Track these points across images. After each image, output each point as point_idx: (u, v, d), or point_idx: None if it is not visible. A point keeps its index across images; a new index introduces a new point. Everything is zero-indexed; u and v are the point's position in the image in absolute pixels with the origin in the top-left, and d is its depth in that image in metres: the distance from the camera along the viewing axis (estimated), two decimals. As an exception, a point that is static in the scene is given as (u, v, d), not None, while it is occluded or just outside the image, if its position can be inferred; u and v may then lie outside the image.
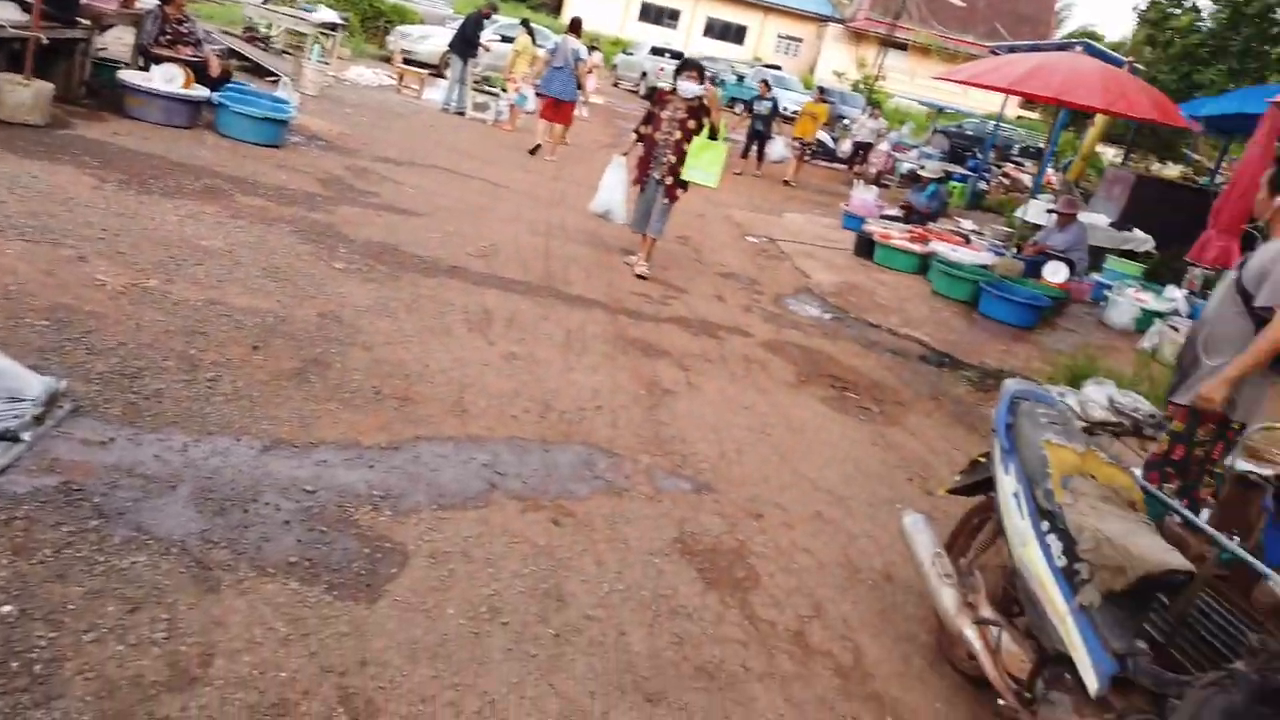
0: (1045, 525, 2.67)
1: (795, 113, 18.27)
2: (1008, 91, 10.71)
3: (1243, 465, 3.82)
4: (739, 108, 23.49)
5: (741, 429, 4.83)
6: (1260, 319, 3.52)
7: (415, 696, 2.38)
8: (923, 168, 14.03)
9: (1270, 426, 3.62)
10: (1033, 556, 2.67)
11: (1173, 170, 20.01)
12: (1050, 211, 10.90)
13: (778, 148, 16.16)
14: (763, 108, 15.49)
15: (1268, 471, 4.83)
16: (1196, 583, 2.52)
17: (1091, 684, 2.40)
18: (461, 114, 13.92)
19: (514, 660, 2.61)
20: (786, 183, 15.60)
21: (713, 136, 7.19)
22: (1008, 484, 2.89)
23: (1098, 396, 5.88)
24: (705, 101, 7.10)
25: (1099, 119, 14.10)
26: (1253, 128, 7.41)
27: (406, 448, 3.64)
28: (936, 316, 8.29)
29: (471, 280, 6.02)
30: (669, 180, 7.16)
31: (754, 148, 15.96)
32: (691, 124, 7.10)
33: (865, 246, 10.17)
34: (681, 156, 7.13)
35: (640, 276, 7.29)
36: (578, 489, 3.72)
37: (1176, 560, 2.37)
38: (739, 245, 9.92)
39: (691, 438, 4.54)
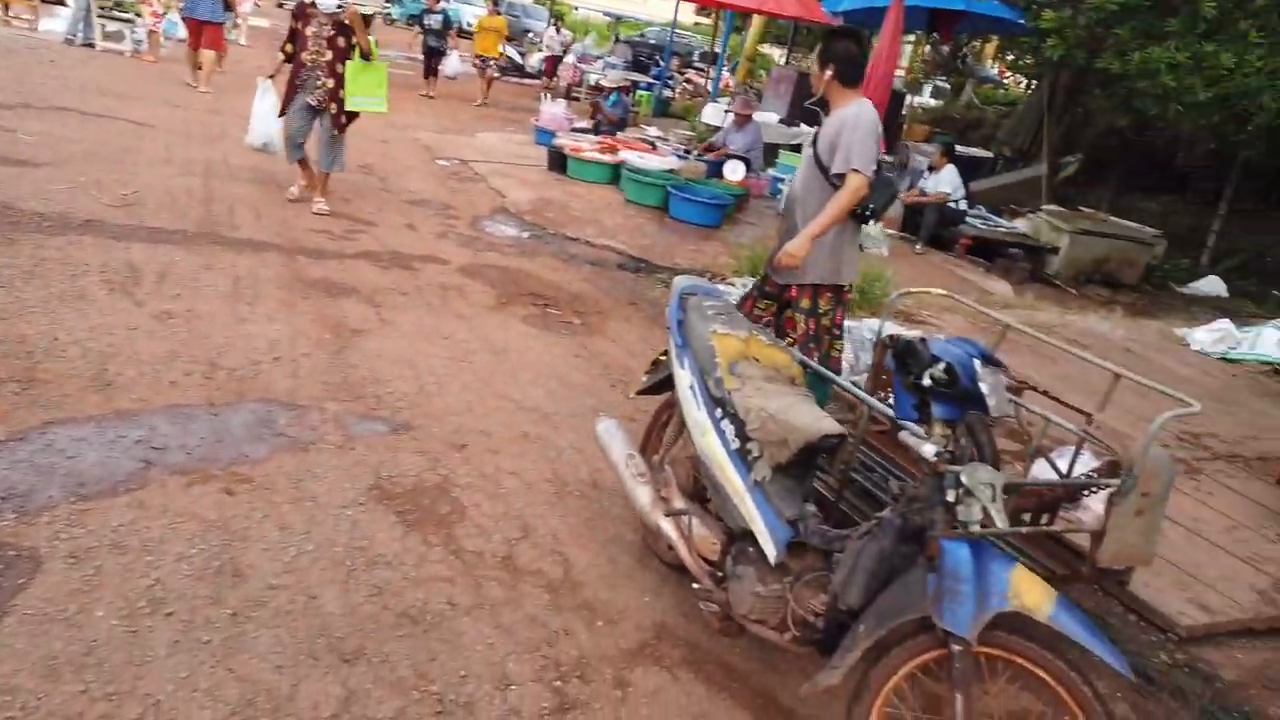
0: (719, 412, 2.78)
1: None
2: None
3: (890, 327, 4.24)
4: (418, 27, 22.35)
5: (441, 360, 4.65)
6: (839, 187, 3.83)
7: (56, 719, 2.06)
8: (605, 77, 14.16)
9: (909, 291, 4.02)
10: (711, 443, 2.78)
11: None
12: (727, 112, 11.45)
13: (452, 63, 15.42)
14: (433, 22, 14.70)
15: (915, 333, 5.43)
16: (848, 444, 2.74)
17: (770, 552, 2.56)
18: (91, 46, 12.06)
19: (182, 652, 2.34)
20: (485, 103, 15.10)
21: (365, 57, 6.69)
22: (684, 377, 2.98)
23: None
24: (346, 19, 6.51)
25: (756, 20, 14.88)
26: (882, 20, 8.12)
27: (33, 437, 3.12)
28: (630, 224, 8.47)
29: (111, 235, 5.26)
30: (333, 109, 6.61)
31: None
32: (342, 42, 6.52)
33: (558, 161, 10.13)
34: (339, 80, 6.58)
35: (319, 213, 6.76)
36: (255, 451, 3.39)
37: (829, 426, 2.54)
38: (429, 169, 9.51)
39: (386, 376, 4.31)
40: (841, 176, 3.75)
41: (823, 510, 2.93)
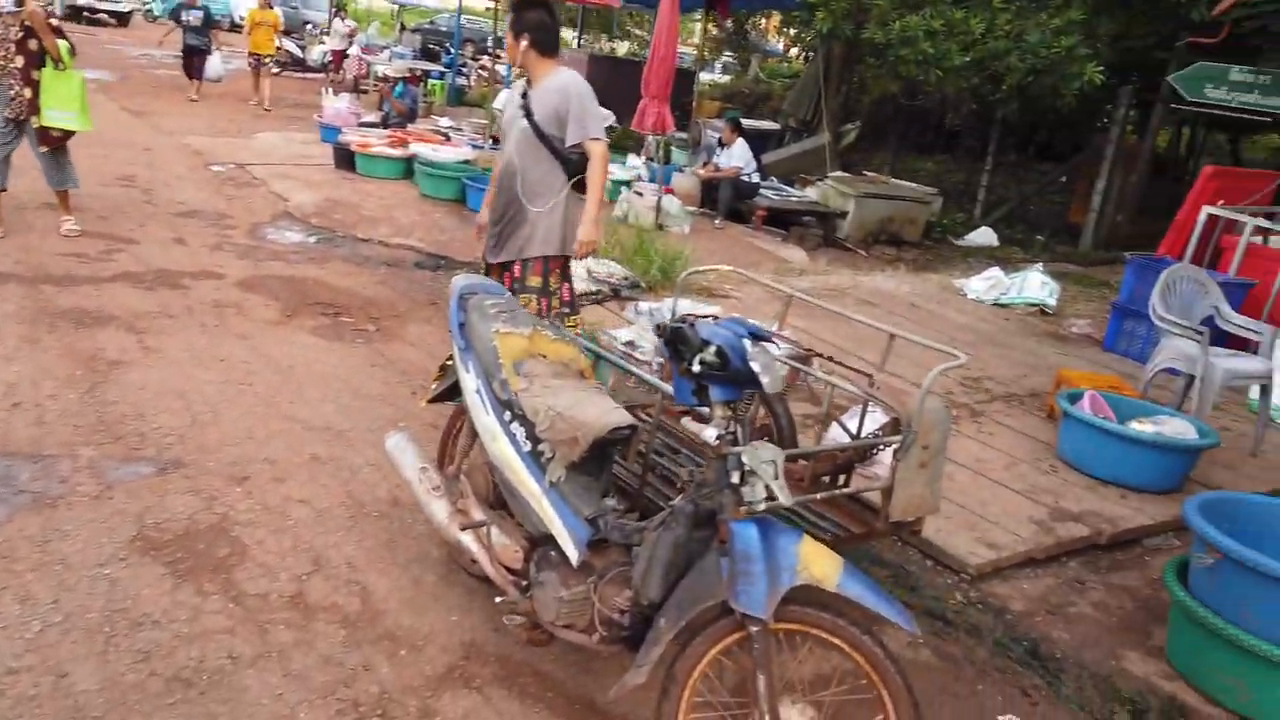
0: (508, 415, 2.66)
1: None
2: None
3: (685, 306, 4.25)
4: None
5: (216, 386, 4.28)
6: (567, 158, 3.83)
7: None
8: (390, 67, 13.62)
9: (696, 271, 4.04)
10: (502, 448, 2.65)
11: (623, 47, 21.90)
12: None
13: (214, 64, 14.13)
14: (193, 18, 13.55)
15: (715, 309, 5.49)
16: (638, 434, 2.69)
17: (572, 554, 2.47)
18: None
19: (-109, 771, 2.00)
20: (268, 109, 14.02)
21: (56, 64, 5.92)
22: (470, 382, 2.83)
23: (577, 269, 6.21)
24: (27, 20, 5.76)
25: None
26: (660, -1, 8.18)
27: None
28: (427, 220, 8.18)
29: None
30: (36, 122, 5.89)
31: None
32: (34, 45, 5.81)
33: (346, 158, 9.67)
34: (37, 88, 5.85)
35: (69, 234, 6.09)
36: (-11, 515, 2.98)
37: (618, 418, 2.48)
38: (201, 177, 8.80)
39: (151, 411, 3.91)
40: (575, 147, 3.78)
41: (627, 500, 2.88)
